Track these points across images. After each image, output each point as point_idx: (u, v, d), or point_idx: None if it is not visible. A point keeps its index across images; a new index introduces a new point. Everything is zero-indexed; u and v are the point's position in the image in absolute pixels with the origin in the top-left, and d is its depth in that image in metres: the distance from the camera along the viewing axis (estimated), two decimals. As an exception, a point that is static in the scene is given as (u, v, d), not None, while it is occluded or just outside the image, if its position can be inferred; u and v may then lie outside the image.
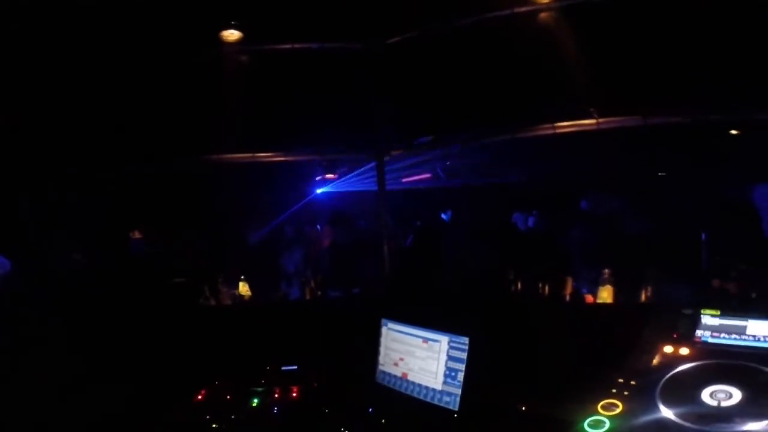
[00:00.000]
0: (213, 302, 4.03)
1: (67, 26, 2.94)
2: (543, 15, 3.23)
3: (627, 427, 1.62)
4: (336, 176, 5.85)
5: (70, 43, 3.21)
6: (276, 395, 2.84)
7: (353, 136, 3.68)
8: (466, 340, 2.36)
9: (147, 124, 3.71)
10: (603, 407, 1.72)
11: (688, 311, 2.05)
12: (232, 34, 3.34)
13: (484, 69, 3.53)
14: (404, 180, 6.62)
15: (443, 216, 6.69)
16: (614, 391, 1.78)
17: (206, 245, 5.16)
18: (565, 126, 3.49)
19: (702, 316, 2.00)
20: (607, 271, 3.17)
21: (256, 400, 2.79)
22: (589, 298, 3.32)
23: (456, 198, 6.59)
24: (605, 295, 3.14)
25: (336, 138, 3.80)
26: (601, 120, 3.39)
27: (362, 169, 6.30)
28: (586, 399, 1.81)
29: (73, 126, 3.58)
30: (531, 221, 5.97)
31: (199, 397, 2.82)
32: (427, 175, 6.65)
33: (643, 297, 3.07)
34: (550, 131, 3.47)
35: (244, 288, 4.39)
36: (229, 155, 3.76)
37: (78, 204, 3.98)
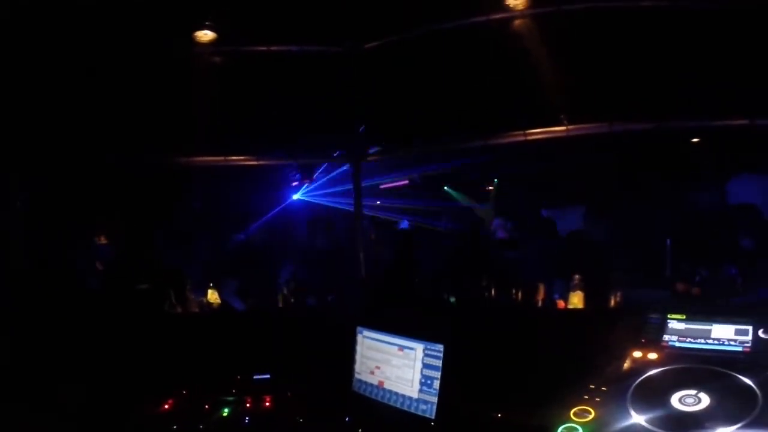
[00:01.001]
0: (179, 309, 3.92)
1: (38, 21, 2.83)
2: (517, 22, 3.28)
3: (601, 433, 1.64)
4: (311, 181, 5.81)
5: (42, 39, 3.08)
6: (248, 404, 2.79)
7: (329, 141, 3.65)
8: (440, 347, 2.36)
9: (112, 121, 3.60)
10: (575, 414, 1.74)
11: (654, 316, 2.09)
12: (206, 35, 3.27)
13: (458, 75, 3.56)
14: (382, 186, 6.65)
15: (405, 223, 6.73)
16: (586, 397, 1.80)
17: (174, 250, 5.04)
18: (536, 133, 3.55)
19: (668, 320, 2.05)
20: (577, 276, 3.23)
21: (226, 410, 2.74)
22: (561, 304, 3.38)
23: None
24: (576, 300, 3.20)
25: (312, 143, 3.76)
26: (570, 127, 3.46)
27: (336, 173, 6.30)
28: (559, 406, 1.82)
29: (32, 124, 3.44)
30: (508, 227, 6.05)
31: (166, 406, 2.74)
32: (405, 182, 6.68)
33: (612, 302, 3.15)
34: (522, 138, 3.52)
35: (212, 296, 4.29)
36: (201, 158, 3.66)
37: (41, 204, 3.81)
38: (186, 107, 3.55)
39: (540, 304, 3.43)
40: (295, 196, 6.74)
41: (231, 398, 2.78)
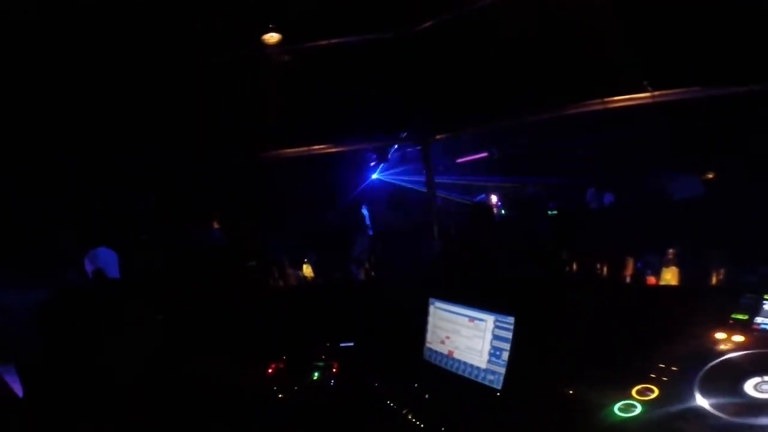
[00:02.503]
0: (281, 283, 4.29)
1: (130, 29, 3.21)
2: None
3: (657, 414, 1.54)
4: (386, 161, 5.91)
5: (141, 46, 3.46)
6: (334, 369, 2.99)
7: (398, 124, 3.69)
8: (511, 319, 2.33)
9: (211, 125, 3.98)
10: (638, 392, 1.65)
11: (749, 296, 1.87)
12: (272, 37, 3.48)
13: (526, 47, 3.36)
14: (458, 160, 6.53)
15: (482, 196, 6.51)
16: (653, 376, 1.69)
17: (274, 232, 5.47)
18: (617, 100, 3.22)
19: (765, 301, 1.83)
20: (671, 251, 2.94)
21: (316, 374, 2.96)
22: (652, 280, 3.11)
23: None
24: (669, 276, 2.92)
25: (383, 126, 3.83)
26: (656, 93, 3.09)
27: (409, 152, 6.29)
28: (623, 383, 1.73)
29: (144, 126, 3.90)
30: (607, 198, 5.63)
31: (270, 370, 3.03)
32: (484, 154, 6.48)
33: (714, 280, 2.82)
34: (600, 106, 3.22)
35: (307, 270, 4.64)
36: (287, 150, 3.93)
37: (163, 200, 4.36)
38: (268, 105, 3.81)
39: (628, 279, 3.19)
40: (374, 176, 6.90)
41: (321, 363, 3.00)
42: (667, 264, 2.92)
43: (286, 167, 5.79)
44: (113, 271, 4.29)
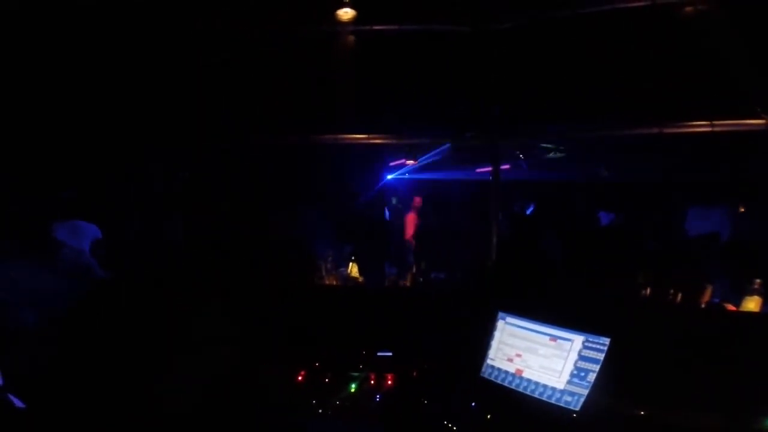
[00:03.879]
0: (326, 281, 4.01)
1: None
2: (689, 8, 2.91)
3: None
4: (415, 162, 5.74)
5: (193, 26, 3.29)
6: (372, 381, 2.73)
7: (461, 122, 3.55)
8: (606, 340, 2.19)
9: (263, 103, 3.78)
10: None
11: None
12: (346, 13, 3.32)
13: (609, 59, 3.27)
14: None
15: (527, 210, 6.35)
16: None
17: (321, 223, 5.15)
18: (726, 125, 3.09)
19: None
20: (758, 280, 2.81)
21: (354, 386, 2.70)
22: (731, 308, 2.96)
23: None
24: (752, 305, 2.78)
25: (442, 123, 3.69)
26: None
27: (435, 153, 6.15)
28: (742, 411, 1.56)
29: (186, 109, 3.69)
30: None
31: (299, 378, 2.75)
32: (507, 166, 6.32)
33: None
34: (708, 129, 3.09)
35: (354, 269, 4.35)
36: (345, 135, 3.73)
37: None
38: (327, 86, 3.63)
39: (703, 306, 3.04)
40: (391, 176, 6.73)
41: (357, 374, 2.73)
42: (752, 293, 2.79)
43: (320, 157, 5.56)
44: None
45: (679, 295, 3.01)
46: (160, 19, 3.07)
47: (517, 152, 6.10)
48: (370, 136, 3.64)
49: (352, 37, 3.49)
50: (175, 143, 3.82)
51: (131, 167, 4.31)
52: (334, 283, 4.05)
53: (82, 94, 3.42)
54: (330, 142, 3.80)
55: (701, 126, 3.08)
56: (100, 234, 4.03)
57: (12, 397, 1.88)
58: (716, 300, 3.06)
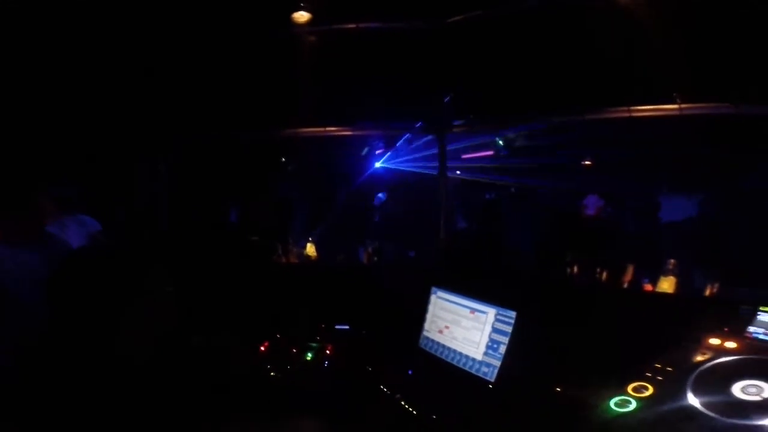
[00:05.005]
0: (284, 260, 4.33)
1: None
2: None
3: (651, 410, 1.60)
4: (393, 149, 5.95)
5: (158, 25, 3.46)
6: (327, 351, 3.02)
7: (416, 113, 3.73)
8: (513, 314, 2.38)
9: (229, 100, 4.01)
10: (633, 389, 1.72)
11: (745, 307, 1.94)
12: (302, 16, 3.51)
13: (552, 48, 3.39)
14: (464, 156, 6.54)
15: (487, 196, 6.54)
16: (648, 374, 1.75)
17: (279, 209, 5.50)
18: (643, 110, 3.23)
19: (759, 312, 1.90)
20: (672, 261, 3.00)
21: (310, 354, 3.00)
22: (649, 288, 3.17)
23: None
24: (666, 285, 2.98)
25: (399, 114, 3.87)
26: (683, 105, 3.11)
27: (417, 144, 6.32)
28: (614, 381, 1.79)
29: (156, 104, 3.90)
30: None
31: (262, 348, 3.06)
32: (489, 153, 6.50)
33: (708, 292, 2.88)
34: (626, 114, 3.23)
35: (311, 249, 4.68)
36: (303, 129, 3.96)
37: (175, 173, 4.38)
38: (288, 84, 3.84)
39: (626, 285, 3.24)
40: (378, 164, 6.94)
41: (315, 344, 3.02)
42: (666, 273, 2.98)
43: (298, 148, 5.83)
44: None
45: (605, 274, 3.22)
46: (131, 19, 3.28)
47: (497, 138, 6.29)
48: (326, 129, 3.85)
49: (312, 38, 3.68)
50: (152, 138, 4.08)
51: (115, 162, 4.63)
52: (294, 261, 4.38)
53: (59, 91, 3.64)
54: (291, 135, 4.03)
55: (621, 112, 3.22)
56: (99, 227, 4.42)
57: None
58: (646, 280, 3.24)
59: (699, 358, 1.77)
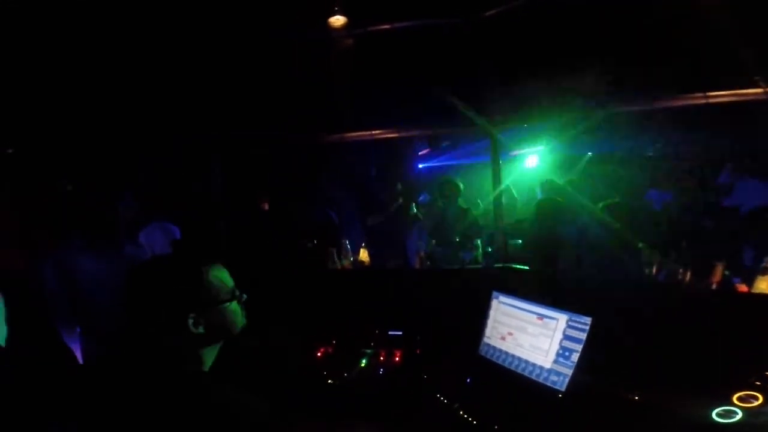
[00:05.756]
0: (339, 266, 4.24)
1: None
2: None
3: (760, 421, 1.33)
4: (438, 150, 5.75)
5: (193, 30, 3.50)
6: (381, 358, 2.88)
7: (464, 110, 3.56)
8: (588, 320, 2.18)
9: (275, 105, 4.01)
10: (739, 398, 1.45)
11: None
12: (338, 20, 3.44)
13: (607, 32, 3.12)
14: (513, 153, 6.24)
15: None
16: (757, 383, 1.48)
17: (330, 215, 5.44)
18: (723, 95, 2.88)
19: None
20: (768, 259, 2.63)
21: (364, 361, 2.87)
22: (743, 289, 2.80)
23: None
24: (764, 286, 2.61)
25: (446, 113, 3.72)
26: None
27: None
28: (715, 390, 1.53)
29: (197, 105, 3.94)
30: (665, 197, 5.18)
31: (319, 354, 2.97)
32: (540, 147, 6.18)
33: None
34: (702, 100, 2.89)
35: (364, 254, 4.57)
36: (349, 133, 3.87)
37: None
38: (330, 88, 3.78)
39: (714, 287, 2.88)
40: (422, 165, 6.77)
41: (369, 351, 2.90)
42: (763, 272, 2.62)
43: (342, 152, 5.76)
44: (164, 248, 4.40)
45: (688, 275, 2.87)
46: (158, 19, 3.31)
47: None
48: (372, 132, 3.74)
49: (350, 41, 3.61)
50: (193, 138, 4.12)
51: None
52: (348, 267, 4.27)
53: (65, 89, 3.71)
54: (336, 140, 3.95)
55: (697, 98, 2.87)
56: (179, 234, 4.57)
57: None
58: (736, 280, 2.87)
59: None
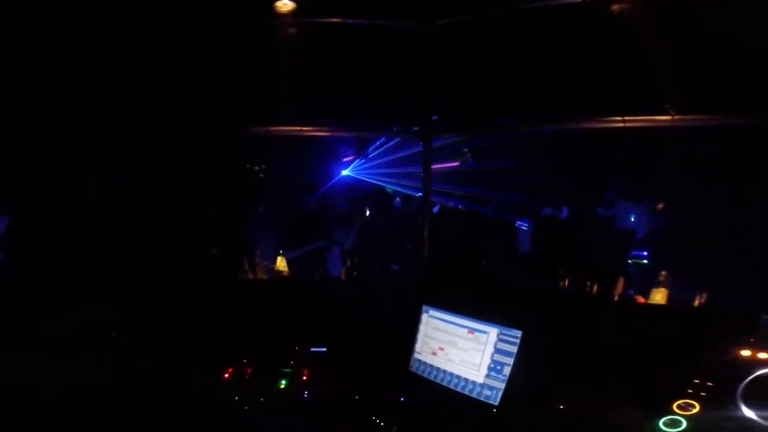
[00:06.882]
0: (251, 275, 3.95)
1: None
2: (616, 7, 3.04)
3: (706, 427, 1.48)
4: (366, 157, 5.74)
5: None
6: (304, 377, 2.73)
7: (398, 116, 3.56)
8: (518, 333, 2.23)
9: (194, 92, 3.66)
10: (679, 407, 1.59)
11: (766, 317, 1.89)
12: (285, 5, 3.26)
13: (541, 55, 3.36)
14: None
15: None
16: (690, 391, 1.64)
17: (243, 216, 5.06)
18: (637, 120, 3.23)
19: (782, 321, 1.85)
20: (663, 273, 2.99)
21: (284, 382, 2.70)
22: (640, 300, 3.15)
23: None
24: (659, 297, 2.96)
25: (382, 117, 3.69)
26: (677, 117, 3.14)
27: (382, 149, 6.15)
28: (652, 400, 1.66)
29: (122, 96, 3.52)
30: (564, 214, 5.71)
31: (226, 375, 2.72)
32: (455, 164, 6.45)
33: (696, 302, 2.89)
34: (620, 124, 3.22)
35: (281, 263, 4.29)
36: (278, 127, 3.65)
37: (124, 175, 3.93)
38: (263, 78, 3.56)
39: (616, 297, 3.21)
40: (344, 172, 6.70)
41: (288, 370, 2.73)
42: (658, 285, 2.96)
43: (261, 148, 5.41)
44: None
45: (595, 287, 3.18)
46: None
47: (465, 150, 6.25)
48: (302, 128, 3.59)
49: (293, 30, 3.44)
50: (110, 138, 3.65)
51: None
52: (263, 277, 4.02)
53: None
54: (262, 133, 3.72)
55: (615, 122, 3.23)
56: None
57: None
58: (631, 292, 3.23)
59: (737, 371, 1.69)
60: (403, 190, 6.03)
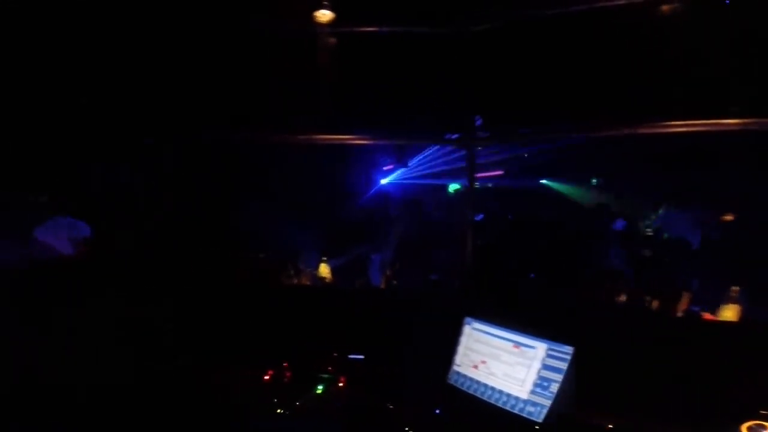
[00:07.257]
0: (295, 281, 3.96)
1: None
2: (665, 7, 2.84)
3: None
4: (405, 166, 5.67)
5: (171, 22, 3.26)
6: (340, 384, 2.66)
7: (439, 125, 3.48)
8: (570, 349, 2.10)
9: (237, 100, 3.74)
10: (750, 428, 1.39)
11: None
12: (324, 15, 3.28)
13: (586, 59, 3.19)
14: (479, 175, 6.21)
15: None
16: (763, 412, 1.43)
17: (289, 223, 5.09)
18: (699, 124, 2.95)
19: None
20: (734, 288, 2.70)
21: (320, 387, 2.64)
22: (707, 316, 2.86)
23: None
24: (729, 314, 2.68)
25: (424, 126, 3.62)
26: (747, 120, 2.84)
27: (422, 157, 6.05)
28: (718, 422, 1.47)
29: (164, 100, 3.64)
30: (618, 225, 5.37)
31: (266, 377, 2.70)
32: (499, 173, 6.28)
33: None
34: (681, 129, 2.96)
35: (324, 270, 4.29)
36: (320, 135, 3.64)
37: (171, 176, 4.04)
38: (304, 86, 3.59)
39: (680, 314, 2.93)
40: (384, 181, 6.64)
41: (326, 375, 2.68)
42: (727, 301, 2.69)
43: (304, 156, 5.47)
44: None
45: (655, 303, 2.92)
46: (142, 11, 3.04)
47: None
48: (345, 136, 3.56)
49: (333, 39, 3.46)
50: (147, 138, 3.77)
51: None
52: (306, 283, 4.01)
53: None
54: (304, 142, 3.73)
55: (678, 126, 2.95)
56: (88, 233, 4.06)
57: None
58: (696, 309, 2.95)
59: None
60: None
